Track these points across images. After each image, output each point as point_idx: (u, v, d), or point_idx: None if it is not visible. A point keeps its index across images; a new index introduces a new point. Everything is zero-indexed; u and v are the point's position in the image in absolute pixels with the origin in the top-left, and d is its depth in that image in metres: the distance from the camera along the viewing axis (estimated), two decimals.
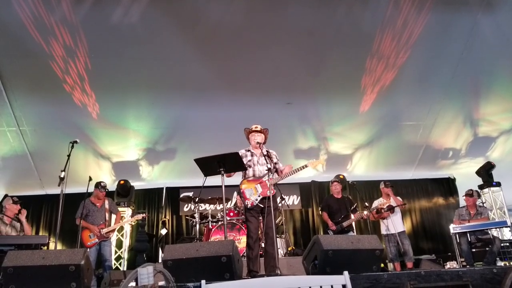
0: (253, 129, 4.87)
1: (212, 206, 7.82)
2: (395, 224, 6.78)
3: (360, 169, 9.63)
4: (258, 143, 4.73)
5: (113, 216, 6.61)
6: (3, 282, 3.08)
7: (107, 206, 6.37)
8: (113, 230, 6.38)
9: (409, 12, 6.52)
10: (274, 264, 4.23)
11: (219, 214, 7.03)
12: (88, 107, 7.37)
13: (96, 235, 6.07)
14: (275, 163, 4.77)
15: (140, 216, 6.76)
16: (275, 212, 4.49)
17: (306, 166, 4.80)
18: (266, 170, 4.52)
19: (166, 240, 8.61)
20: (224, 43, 6.65)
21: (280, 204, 7.39)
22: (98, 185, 6.32)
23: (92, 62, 6.64)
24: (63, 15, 5.94)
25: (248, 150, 4.87)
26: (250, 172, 4.71)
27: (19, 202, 5.93)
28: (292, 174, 4.71)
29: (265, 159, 4.52)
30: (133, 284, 2.63)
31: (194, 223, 7.25)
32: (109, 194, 6.99)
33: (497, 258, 6.52)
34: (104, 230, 6.13)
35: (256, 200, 4.52)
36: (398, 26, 6.70)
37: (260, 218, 4.79)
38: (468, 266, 6.24)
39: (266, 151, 4.72)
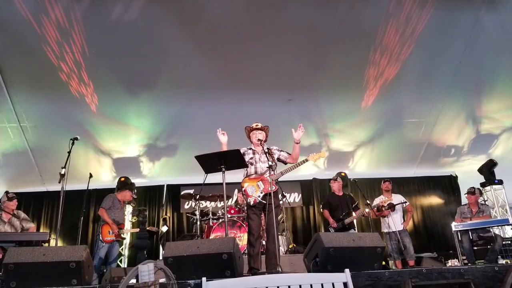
0: (254, 127, 4.87)
1: (213, 204, 7.80)
2: (396, 222, 6.78)
3: (362, 166, 9.61)
4: (259, 140, 4.72)
5: None
6: (4, 279, 3.07)
7: (125, 208, 6.41)
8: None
9: (412, 9, 6.49)
10: (275, 261, 4.22)
11: (219, 212, 7.03)
12: (86, 98, 7.32)
13: (114, 234, 6.09)
14: (279, 156, 4.82)
15: (137, 229, 6.89)
16: (277, 210, 4.48)
17: (307, 160, 4.79)
18: (267, 167, 4.51)
19: (167, 237, 8.62)
20: (225, 40, 6.62)
21: (281, 202, 7.38)
22: (132, 188, 6.61)
23: (92, 58, 6.62)
24: (63, 11, 5.92)
25: (250, 148, 4.86)
26: (252, 169, 4.70)
27: (15, 197, 5.89)
28: (293, 168, 4.70)
29: (267, 157, 4.51)
30: (133, 281, 2.62)
31: (194, 221, 7.24)
32: (110, 191, 6.99)
33: (499, 256, 6.49)
34: (122, 231, 6.21)
35: (259, 197, 4.51)
36: (401, 23, 6.66)
37: (262, 215, 4.79)
38: (469, 264, 6.23)
39: (267, 148, 4.72)
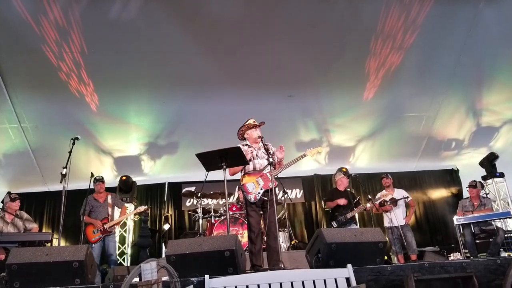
0: (253, 123, 4.82)
1: (214, 201, 7.81)
2: (398, 217, 6.78)
3: (363, 161, 9.59)
4: (260, 137, 4.68)
5: (118, 211, 6.68)
6: (8, 279, 3.09)
7: (110, 201, 6.41)
8: (117, 224, 6.43)
9: (411, 2, 6.46)
10: (277, 258, 4.22)
11: (221, 209, 7.04)
12: (86, 97, 7.31)
13: (99, 230, 6.11)
14: (273, 155, 4.75)
15: (142, 208, 6.72)
16: (276, 206, 4.46)
17: (304, 155, 4.74)
18: (265, 162, 4.50)
19: (169, 235, 8.63)
20: (225, 36, 6.61)
21: (282, 198, 7.38)
22: (94, 180, 6.36)
23: (91, 57, 6.60)
24: (62, 10, 5.90)
25: (246, 144, 4.82)
26: (250, 166, 4.67)
27: (17, 198, 5.91)
28: (291, 164, 4.65)
29: (264, 152, 4.49)
30: (136, 279, 2.63)
31: (196, 218, 7.25)
32: (111, 190, 7.01)
33: (501, 249, 6.50)
34: (107, 225, 6.17)
35: (259, 193, 4.50)
36: (400, 16, 6.63)
37: (261, 212, 4.78)
38: (471, 258, 6.24)
39: (265, 144, 4.67)
